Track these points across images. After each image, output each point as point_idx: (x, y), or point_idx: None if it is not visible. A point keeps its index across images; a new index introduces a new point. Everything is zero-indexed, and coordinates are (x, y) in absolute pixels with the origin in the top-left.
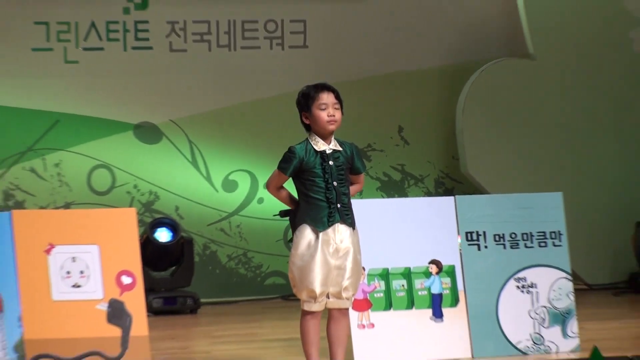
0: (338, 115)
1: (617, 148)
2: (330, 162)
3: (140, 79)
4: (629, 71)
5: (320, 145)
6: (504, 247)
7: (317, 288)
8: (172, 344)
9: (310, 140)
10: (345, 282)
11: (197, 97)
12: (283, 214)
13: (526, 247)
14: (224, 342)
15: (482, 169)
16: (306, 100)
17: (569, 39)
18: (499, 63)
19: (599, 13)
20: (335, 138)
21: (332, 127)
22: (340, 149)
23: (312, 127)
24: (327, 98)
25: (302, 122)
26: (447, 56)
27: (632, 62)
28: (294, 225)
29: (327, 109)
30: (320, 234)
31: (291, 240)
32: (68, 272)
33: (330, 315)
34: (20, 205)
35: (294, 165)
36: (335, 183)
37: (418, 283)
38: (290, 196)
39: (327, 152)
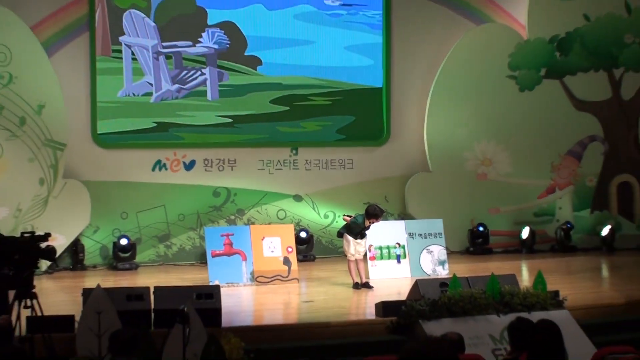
0: (377, 223)
1: (467, 201)
2: (367, 230)
3: (295, 181)
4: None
5: (367, 224)
6: (423, 238)
7: (353, 252)
8: (306, 271)
9: (365, 220)
10: (361, 249)
11: (312, 184)
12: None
13: (430, 238)
14: (324, 270)
15: (416, 210)
16: (375, 215)
17: (445, 162)
18: (419, 174)
19: (458, 152)
20: None
21: (371, 228)
22: (372, 225)
23: (367, 219)
24: (380, 219)
25: (365, 215)
26: (401, 170)
27: (466, 176)
28: (343, 232)
29: (376, 221)
30: (353, 239)
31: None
32: (269, 246)
33: (357, 261)
34: (252, 223)
35: (355, 224)
36: (364, 232)
37: (392, 250)
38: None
39: (366, 225)
